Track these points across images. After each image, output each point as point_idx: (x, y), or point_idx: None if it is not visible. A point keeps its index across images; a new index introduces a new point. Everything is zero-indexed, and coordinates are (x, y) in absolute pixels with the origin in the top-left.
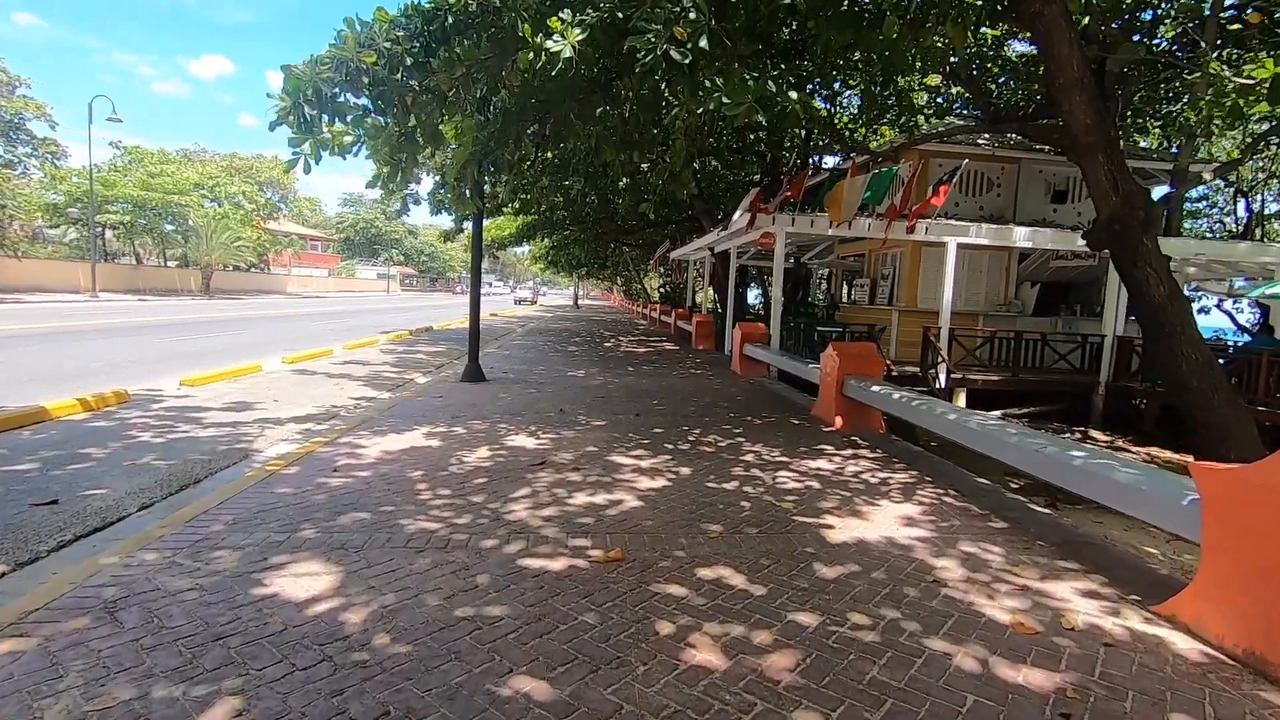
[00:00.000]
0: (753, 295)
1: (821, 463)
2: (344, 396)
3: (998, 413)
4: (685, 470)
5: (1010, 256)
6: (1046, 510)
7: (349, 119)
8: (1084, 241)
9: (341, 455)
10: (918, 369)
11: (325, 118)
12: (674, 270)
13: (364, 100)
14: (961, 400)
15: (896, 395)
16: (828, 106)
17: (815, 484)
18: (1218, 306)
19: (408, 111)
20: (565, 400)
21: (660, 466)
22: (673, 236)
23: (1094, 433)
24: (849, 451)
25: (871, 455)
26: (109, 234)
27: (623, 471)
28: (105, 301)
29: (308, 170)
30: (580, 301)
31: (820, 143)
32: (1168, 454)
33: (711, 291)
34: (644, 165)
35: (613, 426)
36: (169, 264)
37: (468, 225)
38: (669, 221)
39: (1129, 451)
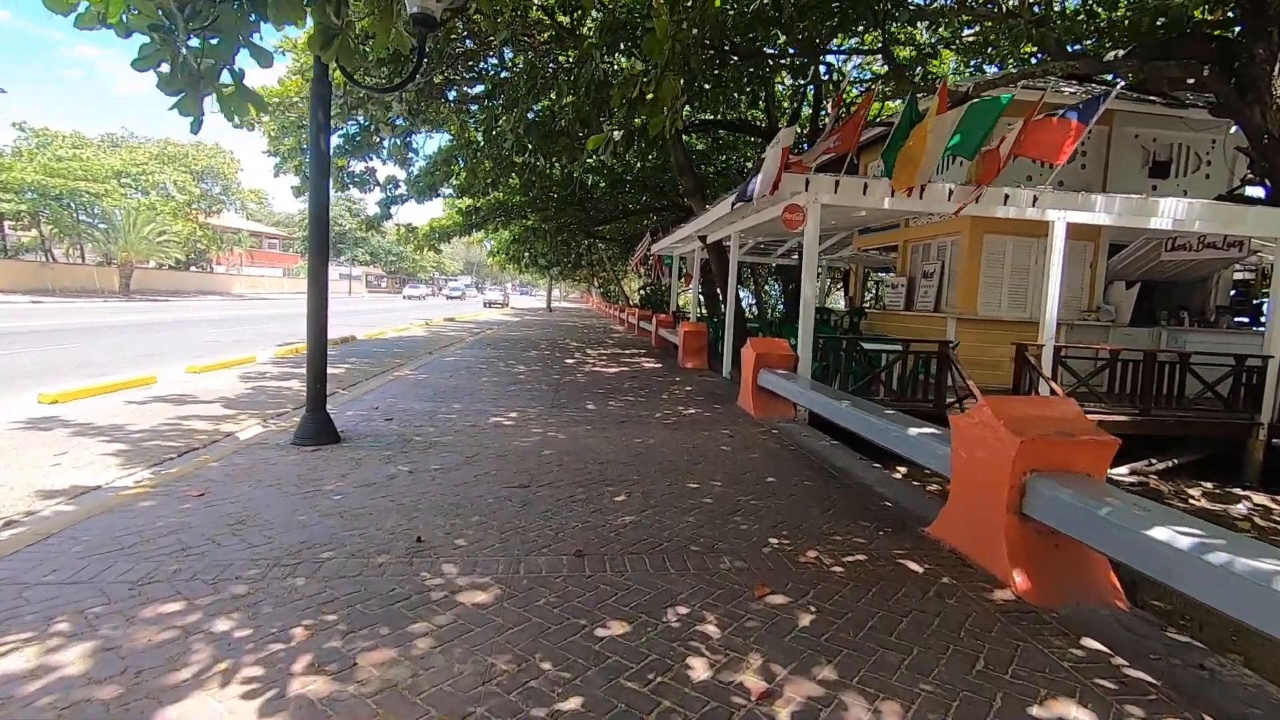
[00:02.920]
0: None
1: None
2: (14, 496)
3: (1124, 469)
4: None
5: (1096, 247)
6: None
7: None
8: None
9: None
10: None
11: None
12: (655, 268)
13: None
14: None
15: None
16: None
17: None
18: None
19: None
20: (446, 498)
21: None
22: (654, 229)
23: (1256, 496)
24: None
25: None
26: (8, 226)
27: None
28: None
29: None
30: (556, 304)
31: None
32: None
33: (693, 294)
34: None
35: (513, 610)
36: (88, 260)
37: (417, 219)
38: (650, 209)
39: None
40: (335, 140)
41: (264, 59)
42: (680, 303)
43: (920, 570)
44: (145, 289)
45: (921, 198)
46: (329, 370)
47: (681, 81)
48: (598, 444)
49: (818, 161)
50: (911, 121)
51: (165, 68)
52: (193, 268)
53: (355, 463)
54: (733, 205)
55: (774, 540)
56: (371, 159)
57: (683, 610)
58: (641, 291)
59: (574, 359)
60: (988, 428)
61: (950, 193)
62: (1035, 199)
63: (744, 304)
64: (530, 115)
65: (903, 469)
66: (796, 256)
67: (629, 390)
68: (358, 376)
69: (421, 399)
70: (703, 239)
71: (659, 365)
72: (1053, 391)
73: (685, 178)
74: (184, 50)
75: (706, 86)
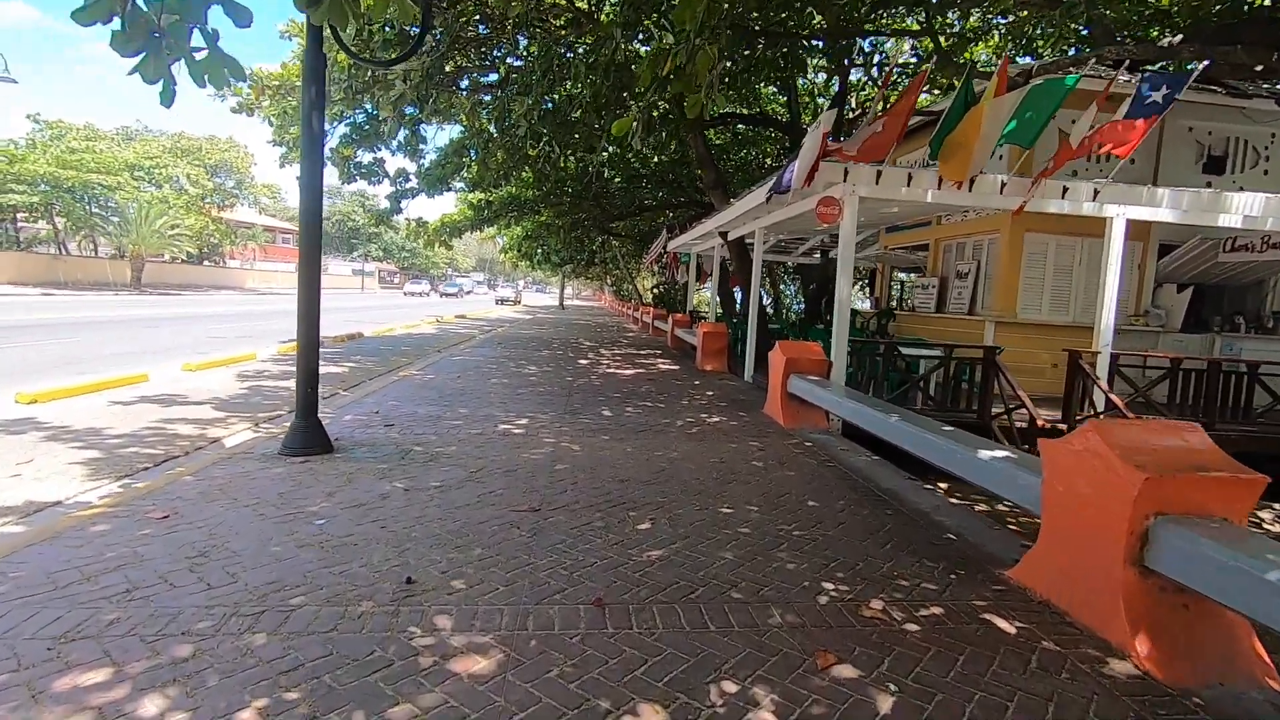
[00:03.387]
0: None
1: None
2: None
3: None
4: None
5: (1145, 248)
6: None
7: None
8: None
9: None
10: (1051, 414)
11: None
12: (671, 266)
13: None
14: None
15: None
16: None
17: None
18: None
19: None
20: (445, 524)
21: None
22: (670, 225)
23: None
24: None
25: None
26: (20, 218)
27: None
28: None
29: None
30: (568, 302)
31: (876, 96)
32: None
33: (712, 293)
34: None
35: (519, 686)
36: (101, 254)
37: (424, 213)
38: (667, 205)
39: None
40: (341, 129)
41: (242, 16)
42: (694, 301)
43: (1012, 630)
44: (158, 283)
45: (971, 190)
46: (331, 369)
47: (716, 51)
48: (616, 457)
49: (858, 144)
50: (965, 104)
51: (117, 23)
52: (206, 262)
53: (346, 478)
54: (768, 196)
55: (829, 586)
56: (380, 150)
57: (730, 687)
58: (654, 290)
59: (588, 359)
60: (1095, 457)
61: (1003, 186)
62: (1096, 192)
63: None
64: (545, 104)
65: (943, 485)
66: (819, 255)
67: (647, 394)
68: (361, 376)
69: (426, 402)
70: (724, 235)
71: (676, 367)
72: (1109, 403)
73: (707, 171)
74: (139, 1)
75: (735, 69)
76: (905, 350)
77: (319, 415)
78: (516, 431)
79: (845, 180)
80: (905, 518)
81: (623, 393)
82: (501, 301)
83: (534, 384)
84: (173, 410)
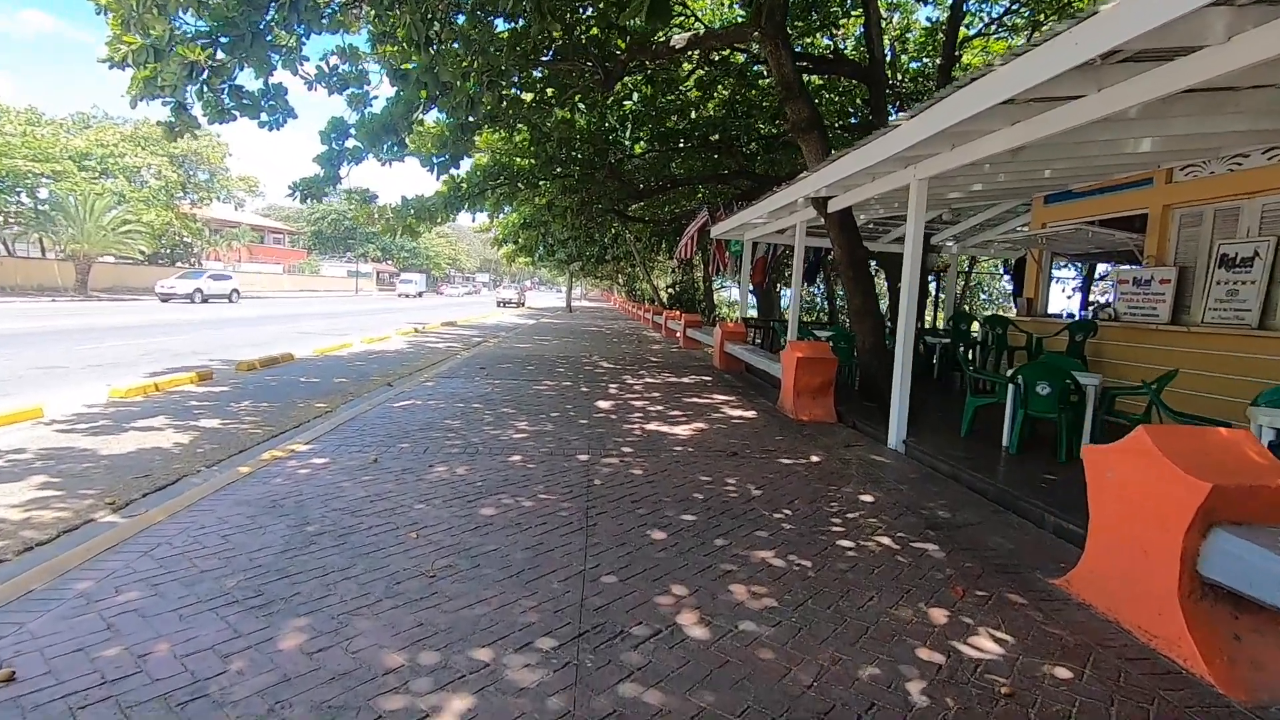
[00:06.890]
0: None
1: None
2: None
3: None
4: None
5: None
6: None
7: None
8: None
9: None
10: None
11: None
12: (717, 256)
13: None
14: None
15: None
16: None
17: None
18: None
19: None
20: None
21: None
22: (714, 205)
23: None
24: None
25: None
26: None
27: None
28: None
29: None
30: (576, 304)
31: None
32: None
33: (794, 294)
34: None
35: None
36: (50, 254)
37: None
38: (705, 178)
39: None
40: (197, 23)
41: None
42: (719, 302)
43: None
44: (116, 286)
45: None
46: (154, 442)
47: None
48: None
49: None
50: None
51: None
52: (179, 264)
53: None
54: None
55: None
56: (276, 68)
57: None
58: (670, 290)
59: (610, 396)
60: None
61: None
62: None
63: (785, 304)
64: None
65: None
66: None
67: (743, 506)
68: (196, 461)
69: (224, 593)
70: (818, 205)
71: (752, 413)
72: None
73: (795, 104)
74: None
75: None
76: None
77: None
78: None
79: None
80: None
81: (699, 508)
82: (504, 304)
83: (515, 480)
84: None
